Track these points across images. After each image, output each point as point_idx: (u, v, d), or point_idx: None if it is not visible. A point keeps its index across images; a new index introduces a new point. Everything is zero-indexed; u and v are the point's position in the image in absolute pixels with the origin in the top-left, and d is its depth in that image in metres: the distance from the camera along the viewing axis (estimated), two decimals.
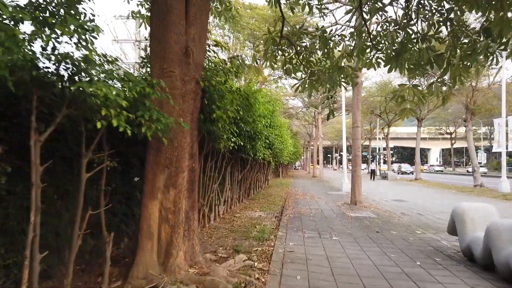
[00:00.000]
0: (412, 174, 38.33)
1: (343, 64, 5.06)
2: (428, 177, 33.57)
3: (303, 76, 5.37)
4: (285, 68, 5.44)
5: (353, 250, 5.15)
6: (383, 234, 6.39)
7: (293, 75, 5.53)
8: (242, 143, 6.40)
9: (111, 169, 4.27)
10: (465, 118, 20.30)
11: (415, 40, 4.46)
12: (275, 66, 5.61)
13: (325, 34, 4.99)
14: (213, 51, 4.99)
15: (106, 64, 2.83)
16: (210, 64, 4.41)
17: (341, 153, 59.35)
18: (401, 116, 4.52)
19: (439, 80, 4.30)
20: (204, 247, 5.11)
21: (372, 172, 28.69)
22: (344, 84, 5.29)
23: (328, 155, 79.08)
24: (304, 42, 5.30)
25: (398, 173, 41.60)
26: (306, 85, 5.31)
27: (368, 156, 45.68)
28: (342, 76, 5.19)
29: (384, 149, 40.14)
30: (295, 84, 5.40)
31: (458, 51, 4.15)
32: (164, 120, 2.86)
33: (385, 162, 42.25)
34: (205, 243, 5.39)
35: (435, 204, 11.71)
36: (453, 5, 4.07)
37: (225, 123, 4.40)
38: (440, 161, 69.22)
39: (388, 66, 4.72)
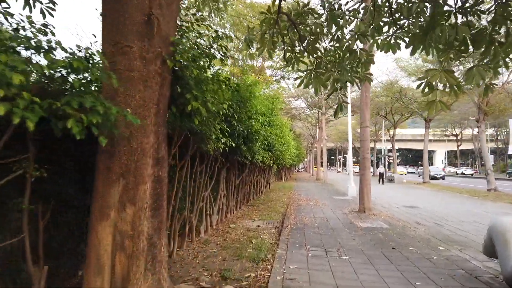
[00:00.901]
0: (443, 179, 35.41)
1: (355, 47, 4.12)
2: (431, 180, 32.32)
3: (309, 67, 4.46)
4: (286, 57, 4.54)
5: (368, 275, 4.19)
6: (400, 251, 5.42)
7: (296, 67, 4.62)
8: (234, 144, 5.46)
9: (68, 178, 3.40)
10: (477, 118, 19.18)
11: (447, 14, 3.51)
12: (274, 53, 4.69)
13: (334, 12, 4.08)
14: (197, 31, 4.09)
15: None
16: (188, 43, 3.50)
17: (345, 155, 58.31)
18: (430, 111, 3.54)
19: (481, 63, 3.35)
20: (185, 271, 4.19)
21: (381, 175, 27.49)
22: (356, 80, 4.35)
23: (332, 157, 77.93)
24: (309, 26, 4.38)
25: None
26: (311, 80, 4.39)
27: (372, 158, 44.44)
28: (352, 64, 4.27)
29: (390, 151, 38.99)
30: (298, 77, 4.49)
31: (508, 24, 3.20)
32: (102, 109, 1.93)
33: (389, 164, 40.97)
34: (188, 265, 4.46)
35: (451, 211, 10.70)
36: None
37: (209, 119, 3.48)
38: (445, 163, 67.55)
39: (411, 48, 3.78)
